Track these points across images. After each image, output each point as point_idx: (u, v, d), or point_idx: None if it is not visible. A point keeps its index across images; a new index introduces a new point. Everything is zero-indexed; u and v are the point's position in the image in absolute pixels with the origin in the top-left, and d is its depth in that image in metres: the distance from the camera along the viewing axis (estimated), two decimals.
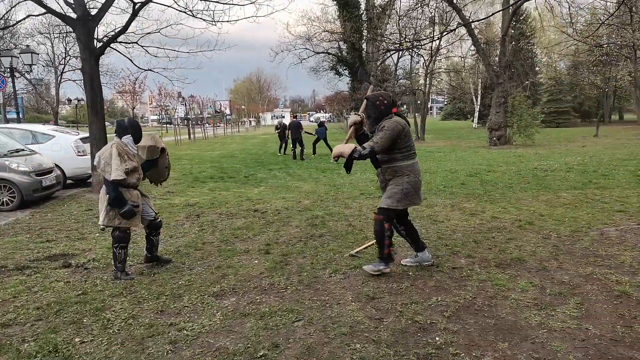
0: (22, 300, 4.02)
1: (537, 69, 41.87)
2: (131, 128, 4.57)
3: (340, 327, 3.37)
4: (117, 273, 4.51)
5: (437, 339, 3.17)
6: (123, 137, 4.53)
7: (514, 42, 32.20)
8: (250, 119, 74.76)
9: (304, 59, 30.95)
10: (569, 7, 14.37)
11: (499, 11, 18.58)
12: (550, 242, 5.40)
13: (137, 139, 4.62)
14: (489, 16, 17.06)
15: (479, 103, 41.44)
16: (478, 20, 20.72)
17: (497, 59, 23.38)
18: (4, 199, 8.31)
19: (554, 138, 24.54)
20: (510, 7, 18.21)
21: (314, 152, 18.10)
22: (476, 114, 42.28)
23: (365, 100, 4.51)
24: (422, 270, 4.52)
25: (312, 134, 18.31)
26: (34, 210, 8.16)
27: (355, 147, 4.22)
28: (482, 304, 3.72)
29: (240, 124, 63.18)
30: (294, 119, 18.47)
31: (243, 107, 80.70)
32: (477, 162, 14.14)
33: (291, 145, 17.17)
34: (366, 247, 5.31)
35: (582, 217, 6.56)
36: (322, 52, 31.61)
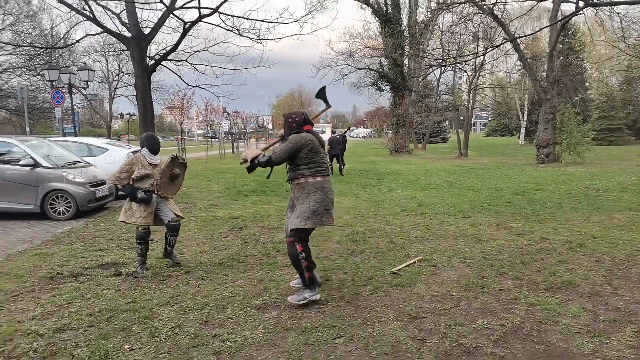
0: (75, 306, 4.22)
1: (587, 84, 40.38)
2: (146, 142, 5.34)
3: (382, 346, 3.34)
4: (137, 266, 5.24)
5: None
6: (142, 150, 5.32)
7: (562, 57, 31.26)
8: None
9: (346, 75, 31.12)
10: (621, 21, 13.88)
11: (546, 27, 18.12)
12: (603, 265, 5.15)
13: (152, 150, 5.32)
14: (536, 32, 16.66)
15: (525, 119, 40.30)
16: (524, 36, 20.29)
17: (544, 74, 22.75)
18: (61, 209, 8.76)
19: (606, 156, 23.47)
20: (559, 22, 17.73)
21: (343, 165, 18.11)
22: (522, 131, 41.10)
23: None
24: (466, 291, 4.41)
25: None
26: (88, 220, 8.56)
27: (260, 153, 4.24)
28: (530, 328, 3.58)
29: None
30: (333, 134, 18.29)
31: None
32: (524, 180, 13.71)
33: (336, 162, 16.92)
34: (408, 265, 5.24)
35: (638, 240, 6.22)
36: (364, 68, 31.70)
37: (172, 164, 5.39)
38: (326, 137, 19.55)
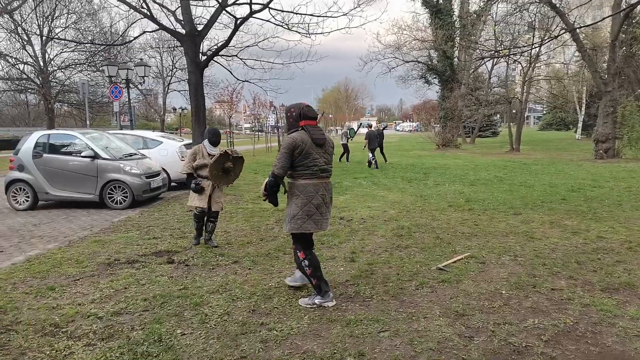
0: (131, 291, 4.44)
1: None
2: (209, 134, 6.04)
3: (428, 341, 3.31)
4: (192, 238, 6.21)
5: None
6: (204, 141, 6.03)
7: (625, 48, 29.39)
8: (337, 128, 75.65)
9: (393, 67, 30.79)
10: None
11: (609, 16, 17.11)
12: None
13: (212, 142, 6.00)
14: (597, 22, 15.73)
15: (583, 113, 38.30)
16: (585, 26, 19.24)
17: (605, 65, 21.51)
18: (118, 198, 9.23)
19: None
20: (622, 11, 16.68)
21: (385, 160, 18.06)
22: (580, 125, 39.10)
23: None
24: (516, 290, 4.29)
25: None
26: (143, 210, 8.97)
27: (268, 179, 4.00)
28: (585, 330, 3.44)
29: (327, 132, 64.24)
30: (370, 129, 18.28)
31: (330, 115, 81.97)
32: (581, 176, 13.08)
33: (370, 155, 17.09)
34: (455, 262, 5.15)
35: None
36: (412, 61, 31.21)
37: (222, 158, 5.64)
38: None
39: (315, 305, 3.98)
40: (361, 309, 3.93)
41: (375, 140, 16.92)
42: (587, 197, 9.44)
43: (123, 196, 9.23)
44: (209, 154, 5.89)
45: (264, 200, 4.14)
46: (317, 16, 10.67)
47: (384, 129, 20.99)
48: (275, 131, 39.63)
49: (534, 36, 23.56)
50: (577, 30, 18.52)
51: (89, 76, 28.69)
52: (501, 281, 4.52)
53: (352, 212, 8.26)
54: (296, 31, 10.76)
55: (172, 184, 11.81)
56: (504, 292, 4.25)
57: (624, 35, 28.43)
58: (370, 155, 16.90)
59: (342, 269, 5.02)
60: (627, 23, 28.00)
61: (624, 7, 17.17)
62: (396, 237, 6.37)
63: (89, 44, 24.40)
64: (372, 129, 18.15)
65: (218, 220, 6.24)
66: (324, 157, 3.97)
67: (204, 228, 6.10)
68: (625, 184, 11.26)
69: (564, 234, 6.41)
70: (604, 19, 16.05)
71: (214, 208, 6.00)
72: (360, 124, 22.21)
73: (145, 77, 20.00)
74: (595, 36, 30.54)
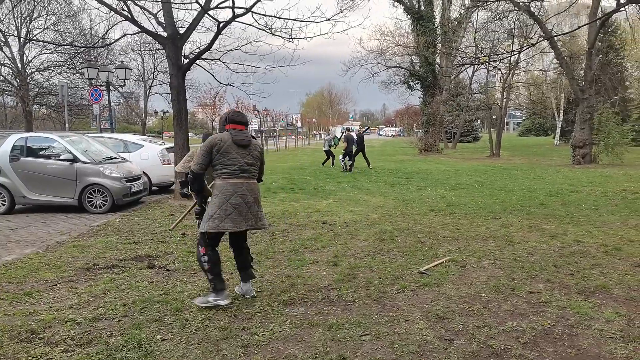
0: (111, 296, 4.38)
1: (627, 83, 38.77)
2: (205, 137, 5.56)
3: (409, 344, 3.34)
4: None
5: None
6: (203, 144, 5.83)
7: (601, 55, 30.18)
8: (321, 132, 75.81)
9: (376, 73, 30.98)
10: None
11: (585, 25, 17.55)
12: None
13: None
14: (575, 30, 16.12)
15: (561, 119, 39.11)
16: (562, 34, 19.68)
17: (582, 72, 22.03)
18: (98, 202, 9.08)
19: None
20: (599, 19, 17.13)
21: (369, 165, 18.32)
22: (558, 130, 39.90)
23: None
24: (496, 293, 4.35)
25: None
26: (123, 214, 8.84)
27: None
28: (561, 332, 3.51)
29: (311, 136, 64.29)
30: (348, 132, 18.59)
31: (314, 120, 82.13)
32: (559, 181, 13.35)
33: (340, 158, 17.50)
34: (436, 265, 5.21)
35: None
36: (394, 67, 31.46)
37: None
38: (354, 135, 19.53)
39: (209, 304, 4.00)
40: (343, 313, 3.95)
41: (352, 143, 17.12)
42: (564, 201, 9.64)
43: (103, 200, 9.09)
44: None
45: (184, 196, 4.35)
46: (300, 21, 10.67)
47: (364, 131, 21.00)
48: (259, 135, 39.52)
49: (513, 43, 24.01)
50: (555, 38, 18.95)
51: (68, 78, 28.16)
52: (481, 284, 4.58)
53: (335, 217, 8.28)
54: (279, 36, 10.76)
55: (153, 187, 11.67)
56: (483, 295, 4.31)
57: (600, 43, 29.21)
58: (342, 158, 17.16)
59: (324, 273, 5.03)
60: (603, 31, 28.78)
61: (600, 16, 17.64)
62: (378, 241, 6.41)
63: (69, 46, 24.01)
64: (350, 132, 18.42)
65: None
66: (246, 159, 4.06)
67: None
68: (601, 188, 11.53)
69: (542, 237, 6.53)
70: (580, 27, 16.46)
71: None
72: (345, 129, 22.19)
73: (126, 80, 19.81)
74: (572, 44, 31.28)
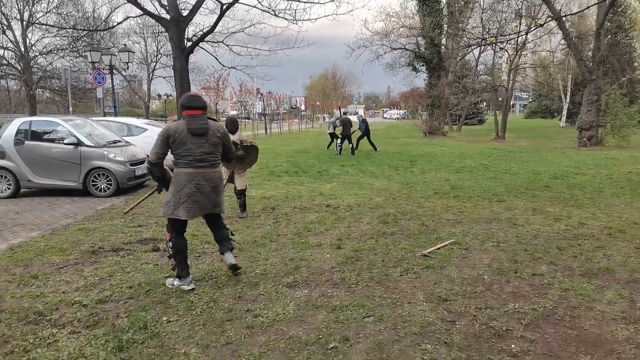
0: (116, 279, 4.43)
1: (635, 64, 38.19)
2: (226, 122, 6.52)
3: (411, 326, 3.37)
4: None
5: (513, 346, 3.07)
6: None
7: (610, 36, 29.65)
8: (325, 115, 75.46)
9: (381, 55, 30.59)
10: None
11: (595, 4, 17.22)
12: None
13: (230, 130, 6.29)
14: (584, 10, 15.84)
15: (568, 101, 38.68)
16: (571, 14, 19.33)
17: (590, 53, 21.71)
18: (102, 186, 9.13)
19: None
20: None
21: (356, 147, 18.02)
22: (564, 112, 39.49)
23: None
24: (498, 275, 4.37)
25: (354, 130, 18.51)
26: (128, 197, 8.90)
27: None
28: (563, 314, 3.53)
29: (314, 119, 64.06)
30: (345, 115, 18.60)
31: (318, 103, 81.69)
32: (564, 163, 13.27)
33: (338, 142, 17.51)
34: (439, 248, 5.22)
35: None
36: (399, 48, 31.03)
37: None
38: (356, 119, 19.47)
39: (171, 286, 4.16)
40: (347, 295, 3.98)
41: (349, 126, 17.13)
42: (569, 184, 9.60)
43: (107, 184, 9.14)
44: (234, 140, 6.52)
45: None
46: (304, 2, 10.57)
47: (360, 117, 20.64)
48: (262, 118, 39.40)
49: (520, 24, 23.62)
50: (563, 18, 18.64)
51: (71, 62, 28.09)
52: (484, 267, 4.59)
53: (338, 200, 8.29)
54: (283, 17, 10.69)
55: None
56: (486, 277, 4.33)
57: (609, 24, 28.69)
58: (340, 142, 17.07)
59: (328, 255, 5.05)
60: (612, 11, 28.26)
61: None
62: (382, 224, 6.42)
63: (71, 29, 23.89)
64: (347, 115, 18.47)
65: (245, 196, 7.07)
66: (203, 147, 4.05)
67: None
68: (607, 171, 11.46)
69: (546, 220, 6.52)
70: (589, 7, 16.21)
71: (238, 187, 6.93)
72: (346, 112, 22.26)
73: (129, 63, 19.71)
74: (581, 24, 30.76)
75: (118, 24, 14.44)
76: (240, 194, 6.99)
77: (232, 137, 6.27)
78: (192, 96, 4.22)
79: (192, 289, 4.10)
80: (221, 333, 3.30)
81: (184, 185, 4.04)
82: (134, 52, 22.43)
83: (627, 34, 34.19)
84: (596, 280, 4.19)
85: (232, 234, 4.62)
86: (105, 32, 25.26)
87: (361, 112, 31.41)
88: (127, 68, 23.11)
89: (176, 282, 4.17)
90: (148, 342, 3.18)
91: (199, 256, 5.10)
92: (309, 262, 4.84)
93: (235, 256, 4.57)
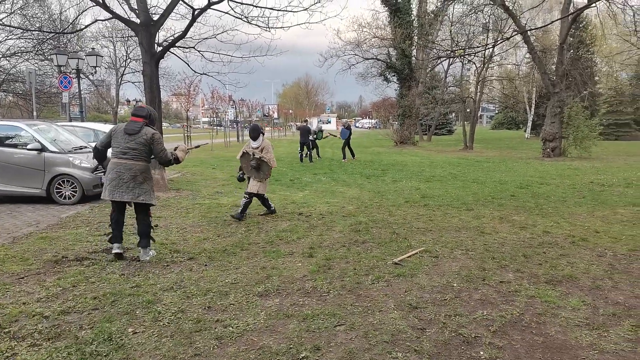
0: (80, 289, 4.28)
1: (596, 78, 39.90)
2: (250, 129, 7.57)
3: (382, 334, 3.38)
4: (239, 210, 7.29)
5: (481, 353, 3.11)
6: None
7: (572, 50, 30.87)
8: (297, 123, 75.52)
9: (353, 64, 30.93)
10: (634, 15, 13.68)
11: (558, 19, 17.90)
12: (605, 260, 5.16)
13: (251, 137, 7.32)
14: (547, 24, 16.47)
15: (532, 113, 39.98)
16: (535, 29, 20.04)
17: (553, 67, 22.52)
18: (67, 193, 8.84)
19: (613, 151, 23.31)
20: (571, 15, 17.50)
21: (346, 157, 18.43)
22: (529, 124, 40.81)
23: None
24: (467, 283, 4.44)
25: (336, 136, 18.83)
26: (93, 205, 8.63)
27: None
28: (530, 320, 3.61)
29: (287, 127, 64.01)
30: (304, 124, 19.23)
31: (290, 111, 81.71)
32: (529, 173, 13.66)
33: (298, 149, 18.06)
34: (410, 256, 5.27)
35: None
36: (371, 58, 31.48)
37: (245, 158, 7.27)
38: (332, 127, 19.69)
39: (149, 256, 5.18)
40: (318, 303, 3.96)
41: (306, 135, 17.61)
42: (534, 193, 9.88)
43: (72, 191, 8.86)
44: (252, 148, 7.26)
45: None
46: (277, 10, 10.56)
47: (319, 130, 20.58)
48: (235, 126, 39.10)
49: (487, 37, 24.34)
50: (528, 32, 19.28)
51: (36, 65, 27.22)
52: (453, 275, 4.66)
53: (311, 208, 8.28)
54: (256, 25, 10.61)
55: None
56: (455, 285, 4.39)
57: (571, 39, 29.84)
58: (300, 150, 17.78)
59: (299, 264, 5.03)
60: (574, 27, 29.43)
61: (572, 11, 18.02)
62: (354, 233, 6.45)
63: (37, 31, 23.17)
64: (305, 124, 19.11)
65: (250, 199, 7.30)
66: (129, 144, 5.06)
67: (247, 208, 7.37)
68: (570, 181, 11.86)
69: (513, 228, 6.69)
70: (553, 22, 16.82)
71: (248, 189, 7.30)
72: (303, 120, 22.76)
73: (97, 68, 19.25)
74: (545, 39, 31.91)
75: (86, 27, 14.01)
76: (257, 196, 7.37)
77: (252, 144, 7.27)
78: (138, 107, 5.40)
79: (116, 253, 5.10)
80: (189, 344, 3.23)
81: (110, 171, 5.08)
82: (102, 56, 21.89)
83: (589, 49, 35.69)
84: (561, 287, 4.31)
85: (155, 226, 5.73)
86: (72, 35, 24.61)
87: (346, 120, 31.81)
88: (95, 72, 22.55)
89: (109, 245, 5.22)
90: (113, 354, 3.08)
91: (167, 265, 4.99)
92: (281, 270, 4.80)
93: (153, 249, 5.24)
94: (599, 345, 3.19)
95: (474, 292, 4.21)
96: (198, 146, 7.22)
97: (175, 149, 5.51)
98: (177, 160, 5.40)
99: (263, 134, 7.42)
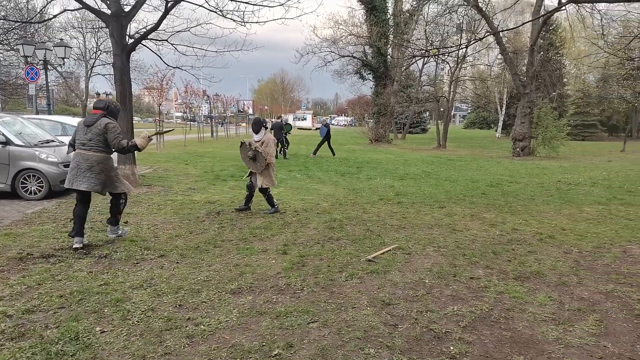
0: (46, 287, 4.15)
1: (565, 80, 41.11)
2: (252, 122, 7.68)
3: (355, 330, 3.39)
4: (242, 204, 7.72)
5: (451, 348, 3.16)
6: None
7: (542, 52, 31.68)
8: (273, 120, 75.15)
9: (329, 62, 31.02)
10: (601, 19, 14.12)
11: (529, 21, 18.32)
12: (571, 257, 5.32)
13: (254, 131, 7.51)
14: (519, 26, 16.85)
15: (503, 113, 40.90)
16: (507, 30, 20.48)
17: (524, 68, 23.07)
18: (33, 188, 8.56)
19: (579, 151, 24.06)
20: (541, 17, 17.94)
21: (316, 153, 18.57)
22: (500, 124, 41.73)
23: None
24: (439, 279, 4.50)
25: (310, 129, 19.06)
26: (60, 201, 8.39)
27: None
28: (498, 315, 3.69)
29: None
30: (278, 121, 19.33)
31: (266, 107, 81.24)
32: (499, 172, 13.96)
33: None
34: (383, 253, 5.31)
35: (605, 233, 6.43)
36: (347, 56, 31.60)
37: (244, 148, 7.39)
38: (307, 123, 19.76)
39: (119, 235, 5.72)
40: (292, 301, 3.95)
41: (278, 131, 17.68)
42: (504, 191, 10.10)
43: (38, 186, 8.58)
44: (255, 141, 7.44)
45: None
46: (253, 4, 10.45)
47: (285, 123, 20.62)
48: (209, 121, 38.59)
49: (461, 37, 24.72)
50: (501, 33, 19.68)
51: (1, 55, 26.29)
52: (425, 271, 4.72)
53: (285, 205, 8.25)
54: (231, 19, 10.48)
55: None
56: (427, 281, 4.45)
57: (542, 41, 30.63)
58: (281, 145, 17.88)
59: (273, 261, 5.00)
60: (544, 29, 30.18)
61: (543, 13, 18.47)
62: (328, 230, 6.46)
63: (2, 20, 22.31)
64: (280, 120, 19.27)
65: (266, 194, 7.52)
66: (87, 135, 5.34)
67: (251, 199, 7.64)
68: (538, 180, 12.18)
69: (483, 226, 6.82)
70: (524, 23, 17.24)
71: (257, 185, 7.44)
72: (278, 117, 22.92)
73: (65, 59, 18.68)
74: (516, 40, 32.63)
75: (54, 16, 13.54)
76: (262, 192, 7.51)
77: (255, 138, 7.47)
78: (98, 100, 5.72)
79: (75, 247, 5.19)
80: (159, 343, 3.17)
81: (71, 160, 5.38)
82: (71, 47, 21.26)
83: (558, 51, 36.70)
84: (528, 283, 4.42)
85: (125, 223, 6.11)
86: (39, 24, 23.81)
87: (324, 118, 31.96)
88: (64, 64, 21.90)
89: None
90: (79, 354, 3.00)
91: (137, 263, 4.89)
92: (254, 268, 4.77)
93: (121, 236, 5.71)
94: (565, 340, 3.29)
95: (445, 288, 4.28)
96: (161, 133, 7.02)
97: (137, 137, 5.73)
98: (136, 148, 5.54)
99: (266, 128, 7.61)
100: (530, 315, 3.70)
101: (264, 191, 7.53)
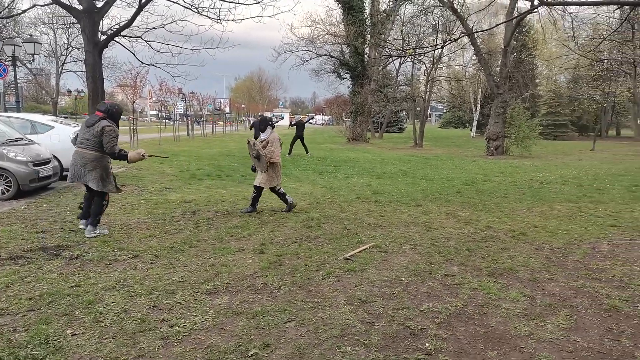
0: (14, 290, 4.02)
1: (537, 81, 42.09)
2: (259, 121, 7.79)
3: (332, 329, 3.40)
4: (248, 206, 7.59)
5: (427, 344, 3.19)
6: None
7: (515, 54, 32.34)
8: (250, 118, 74.67)
9: (306, 60, 31.06)
10: (572, 21, 14.50)
11: (502, 23, 18.68)
12: (542, 253, 5.44)
13: (260, 129, 7.49)
14: (493, 27, 17.15)
15: (478, 112, 41.58)
16: (481, 31, 20.85)
17: (498, 69, 23.51)
18: (1, 188, 8.29)
19: (551, 151, 24.66)
20: (514, 19, 18.31)
21: (290, 151, 18.43)
22: (475, 123, 42.43)
23: None
24: (415, 277, 4.55)
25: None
26: (30, 201, 8.15)
27: None
28: (472, 312, 3.75)
29: (239, 122, 63.14)
30: (258, 119, 19.24)
31: (243, 106, 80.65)
32: (474, 171, 14.20)
33: None
34: (360, 251, 5.33)
35: (575, 230, 6.60)
36: (325, 55, 31.65)
37: (250, 147, 7.37)
38: (285, 122, 19.74)
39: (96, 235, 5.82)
40: (268, 300, 3.93)
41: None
42: (478, 190, 10.27)
43: (6, 186, 8.31)
44: (261, 140, 7.44)
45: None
46: (229, 2, 10.37)
47: (307, 121, 21.02)
48: (185, 119, 38.08)
49: (437, 38, 25.03)
50: (475, 34, 20.00)
51: None
52: (401, 269, 4.76)
53: (262, 204, 8.19)
54: (207, 16, 10.39)
55: (65, 172, 10.86)
56: (403, 279, 4.49)
57: (515, 42, 31.24)
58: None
59: (250, 261, 4.97)
60: (518, 31, 30.81)
61: (516, 15, 18.84)
62: (306, 229, 6.45)
63: None
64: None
65: (258, 193, 7.48)
66: (85, 135, 5.75)
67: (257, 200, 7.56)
68: (511, 178, 12.43)
69: (458, 224, 6.92)
70: (498, 25, 17.50)
71: (255, 182, 7.48)
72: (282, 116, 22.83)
73: (35, 55, 18.16)
74: (490, 42, 33.22)
75: (23, 11, 13.09)
76: (256, 190, 7.45)
77: (261, 136, 7.49)
78: (101, 103, 6.03)
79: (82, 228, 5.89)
80: (133, 345, 3.11)
81: (72, 159, 5.81)
82: (41, 44, 20.67)
83: (531, 52, 37.53)
84: (502, 280, 4.50)
85: (101, 211, 6.07)
86: (8, 20, 23.08)
87: (299, 116, 31.82)
88: (33, 60, 21.35)
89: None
90: (50, 357, 2.92)
91: (109, 264, 4.78)
92: (231, 267, 4.73)
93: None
94: (537, 335, 3.36)
95: (421, 285, 4.32)
96: (157, 157, 7.57)
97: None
98: (123, 157, 5.83)
99: (272, 126, 7.55)
100: (504, 311, 3.77)
101: (274, 190, 7.57)
